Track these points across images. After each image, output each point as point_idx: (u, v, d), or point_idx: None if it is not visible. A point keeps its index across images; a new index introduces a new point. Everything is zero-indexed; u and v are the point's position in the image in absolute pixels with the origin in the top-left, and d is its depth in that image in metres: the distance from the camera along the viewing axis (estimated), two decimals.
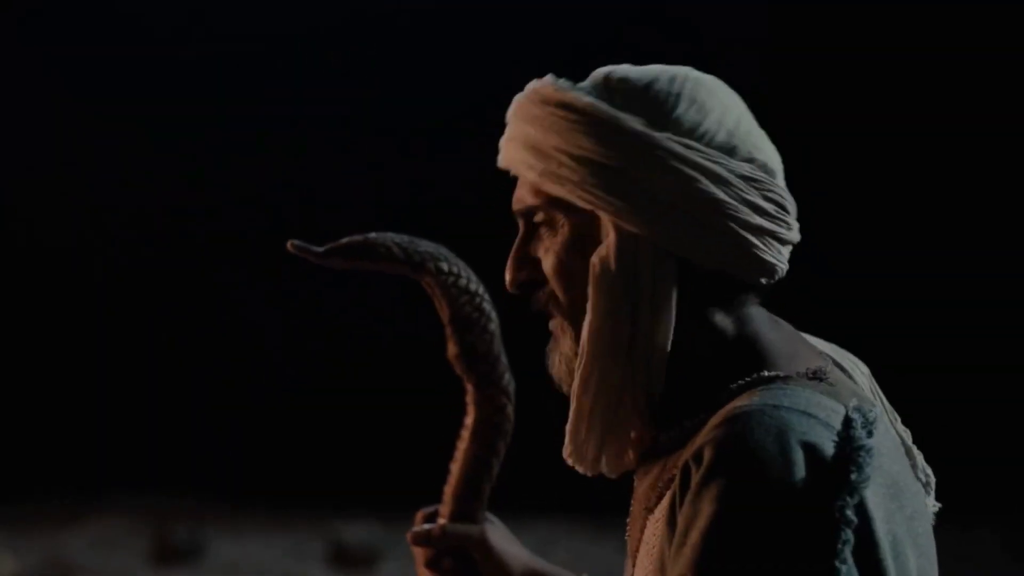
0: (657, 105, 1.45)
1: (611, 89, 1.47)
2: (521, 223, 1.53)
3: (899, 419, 1.52)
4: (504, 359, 1.73)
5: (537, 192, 1.48)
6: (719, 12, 8.72)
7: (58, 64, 9.38)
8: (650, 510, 1.47)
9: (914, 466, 1.48)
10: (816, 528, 1.29)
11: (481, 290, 1.71)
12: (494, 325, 1.72)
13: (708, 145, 1.44)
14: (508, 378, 1.73)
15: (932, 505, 1.50)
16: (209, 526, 7.78)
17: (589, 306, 1.45)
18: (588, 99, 1.45)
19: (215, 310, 9.50)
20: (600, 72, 1.50)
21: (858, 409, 1.36)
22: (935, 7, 8.55)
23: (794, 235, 1.48)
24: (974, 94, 8.69)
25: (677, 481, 1.37)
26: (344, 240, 1.67)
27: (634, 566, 1.49)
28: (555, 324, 1.52)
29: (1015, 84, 8.64)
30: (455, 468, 1.75)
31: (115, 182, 9.46)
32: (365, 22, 9.31)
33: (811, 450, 1.31)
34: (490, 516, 1.77)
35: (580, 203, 1.45)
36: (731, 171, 1.43)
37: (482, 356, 1.71)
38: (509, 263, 1.53)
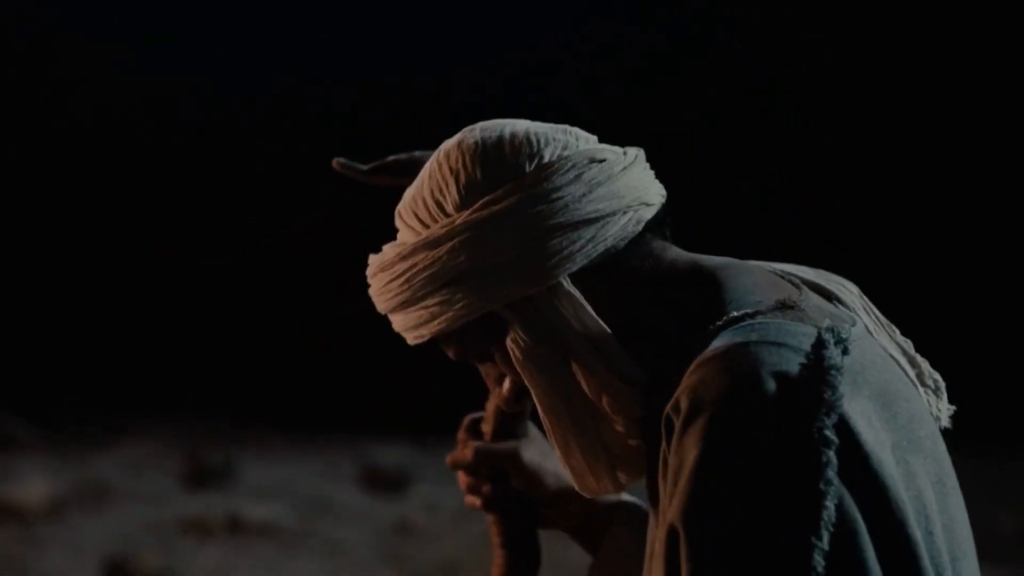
0: (432, 206, 1.46)
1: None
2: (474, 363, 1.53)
3: (898, 330, 1.50)
4: None
5: (440, 340, 1.49)
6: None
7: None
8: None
9: (920, 374, 1.49)
10: (797, 455, 1.28)
11: None
12: None
13: (491, 193, 1.43)
14: None
15: (946, 408, 1.49)
16: (241, 448, 7.80)
17: (530, 387, 1.45)
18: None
19: (248, 233, 9.50)
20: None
21: (830, 329, 1.35)
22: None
23: (631, 166, 1.45)
24: (965, 90, 8.61)
25: (663, 434, 1.36)
26: (390, 158, 1.70)
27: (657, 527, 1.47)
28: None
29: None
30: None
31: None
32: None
33: (783, 379, 1.30)
34: (532, 427, 1.74)
35: (457, 324, 1.45)
36: (526, 196, 1.42)
37: None
38: (492, 387, 1.55)
